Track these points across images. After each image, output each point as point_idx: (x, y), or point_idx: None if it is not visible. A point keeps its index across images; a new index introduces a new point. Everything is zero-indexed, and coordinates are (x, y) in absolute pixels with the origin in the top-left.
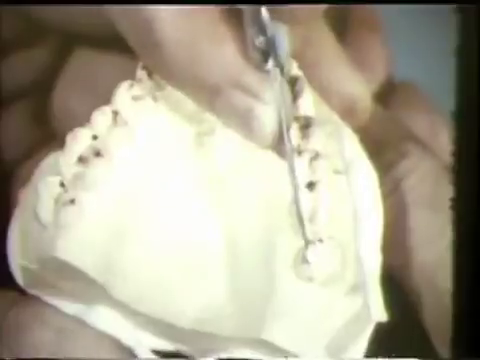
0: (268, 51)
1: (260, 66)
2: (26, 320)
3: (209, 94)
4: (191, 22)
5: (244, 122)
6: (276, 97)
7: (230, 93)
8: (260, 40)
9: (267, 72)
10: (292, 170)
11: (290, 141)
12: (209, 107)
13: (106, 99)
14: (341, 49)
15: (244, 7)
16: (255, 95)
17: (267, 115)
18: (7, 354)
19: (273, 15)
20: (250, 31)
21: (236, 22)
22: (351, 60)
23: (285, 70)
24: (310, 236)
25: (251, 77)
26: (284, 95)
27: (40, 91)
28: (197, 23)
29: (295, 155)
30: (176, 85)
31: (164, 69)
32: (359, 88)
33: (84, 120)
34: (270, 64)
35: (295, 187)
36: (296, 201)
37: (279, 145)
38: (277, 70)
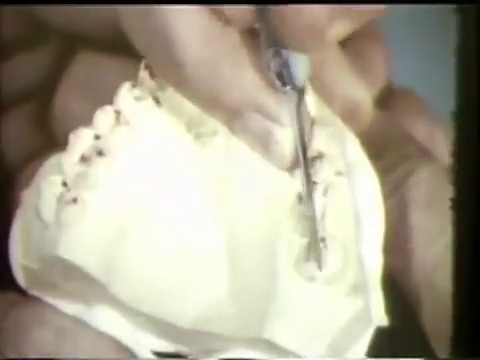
0: (283, 75)
1: (278, 89)
2: (26, 320)
3: (228, 116)
4: (213, 44)
5: (263, 145)
6: (294, 121)
7: (249, 116)
8: (275, 63)
9: (285, 94)
10: (310, 197)
11: (308, 165)
12: (228, 127)
13: (108, 101)
14: (343, 54)
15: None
16: (274, 118)
17: (286, 139)
18: (8, 354)
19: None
20: (265, 54)
21: (256, 45)
22: (352, 65)
23: (303, 93)
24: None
25: (270, 100)
26: (302, 117)
27: (43, 94)
28: (219, 45)
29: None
30: (196, 104)
31: (185, 89)
32: (361, 93)
33: (86, 122)
34: (287, 87)
35: (309, 199)
36: (311, 211)
37: (294, 166)
38: (294, 93)
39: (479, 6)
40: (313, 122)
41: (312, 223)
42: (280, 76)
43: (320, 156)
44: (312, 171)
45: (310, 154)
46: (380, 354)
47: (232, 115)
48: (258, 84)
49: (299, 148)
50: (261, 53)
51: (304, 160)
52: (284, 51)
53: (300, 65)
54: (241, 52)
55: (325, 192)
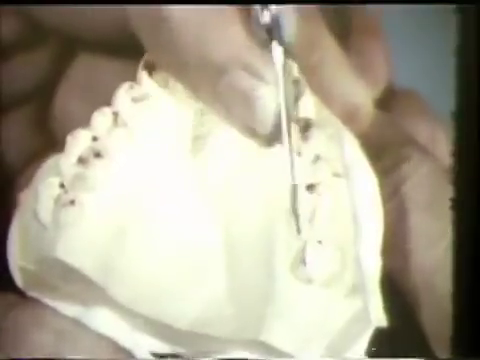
0: (272, 29)
1: (264, 45)
2: (26, 323)
3: (213, 75)
4: (199, 2)
5: (246, 103)
6: (278, 77)
7: (234, 73)
8: (264, 17)
9: (271, 51)
10: (291, 153)
11: (291, 125)
12: (211, 90)
13: (106, 103)
14: (343, 54)
15: None
16: (259, 76)
17: (270, 96)
18: (6, 356)
19: None
20: (255, 8)
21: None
22: (353, 65)
23: (289, 50)
24: (307, 235)
25: (256, 58)
26: (287, 76)
27: (42, 95)
28: (205, 3)
29: (295, 155)
30: (180, 68)
31: (170, 48)
32: (361, 94)
33: (85, 123)
34: (274, 43)
35: (292, 169)
36: (293, 193)
37: (278, 132)
38: (280, 49)
39: (479, 6)
40: (311, 124)
41: (293, 209)
42: (268, 31)
43: (317, 158)
44: (309, 173)
45: (307, 156)
46: (380, 355)
47: (218, 72)
48: (245, 42)
49: (282, 108)
50: (250, 9)
51: (287, 121)
52: (273, 7)
53: (289, 21)
54: (228, 10)
55: (321, 194)
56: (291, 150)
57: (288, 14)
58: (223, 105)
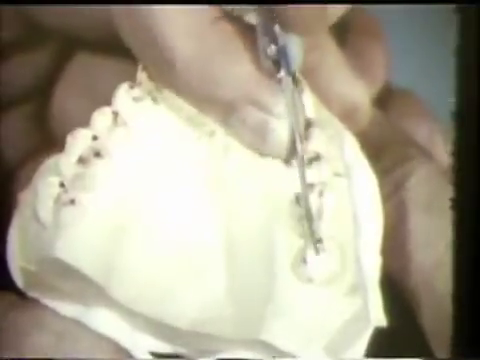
0: (279, 60)
1: (272, 76)
2: (26, 324)
3: (223, 111)
4: (204, 38)
5: (260, 136)
6: (288, 106)
7: (244, 109)
8: (272, 49)
9: (279, 82)
10: (303, 176)
11: (302, 149)
12: (223, 123)
13: (106, 102)
14: (342, 54)
15: (256, 20)
16: (269, 109)
17: (281, 127)
18: (7, 355)
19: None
20: (262, 41)
21: (249, 37)
22: (351, 65)
23: (297, 79)
24: (309, 234)
25: (265, 92)
26: (296, 104)
27: (41, 95)
28: (210, 39)
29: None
30: (191, 103)
31: (178, 87)
32: (359, 93)
33: (84, 122)
34: (282, 73)
35: (305, 192)
36: (306, 206)
37: (291, 154)
38: (289, 79)
39: (479, 6)
40: (311, 124)
41: (307, 211)
42: (275, 63)
43: (318, 157)
44: (309, 172)
45: (307, 154)
46: (379, 355)
47: (227, 110)
48: (251, 76)
49: (296, 135)
50: (256, 41)
51: (301, 147)
52: (280, 37)
53: (295, 51)
54: (234, 45)
55: (322, 193)
56: (302, 163)
57: (294, 44)
58: (235, 134)
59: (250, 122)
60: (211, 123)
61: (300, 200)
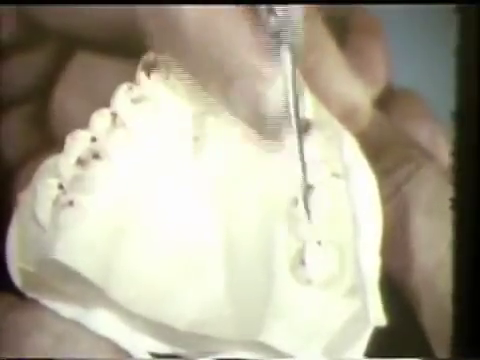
0: (280, 34)
1: (273, 50)
2: (25, 325)
3: (224, 83)
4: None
5: (255, 109)
6: (286, 80)
7: (245, 80)
8: (272, 22)
9: (278, 54)
10: (301, 151)
11: (300, 130)
12: (220, 92)
13: (105, 103)
14: (341, 54)
15: None
16: (268, 81)
17: (278, 100)
18: (7, 355)
19: None
20: (263, 13)
21: (253, 10)
22: (351, 65)
23: (297, 54)
24: (306, 236)
25: (264, 63)
26: (295, 80)
27: (40, 95)
28: (216, 8)
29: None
30: (189, 70)
31: (181, 50)
32: (359, 93)
33: (84, 122)
34: (282, 48)
35: (303, 168)
36: (305, 189)
37: (283, 134)
38: (288, 52)
39: (479, 6)
40: (310, 124)
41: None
42: (276, 36)
43: (316, 158)
44: (310, 172)
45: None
46: (379, 354)
47: (228, 82)
48: (252, 47)
49: (292, 111)
50: (257, 14)
51: (297, 123)
52: (280, 11)
53: (296, 25)
54: (239, 15)
55: (321, 194)
56: (302, 149)
57: (295, 16)
58: (231, 106)
59: (248, 94)
60: (211, 124)
61: (300, 177)
